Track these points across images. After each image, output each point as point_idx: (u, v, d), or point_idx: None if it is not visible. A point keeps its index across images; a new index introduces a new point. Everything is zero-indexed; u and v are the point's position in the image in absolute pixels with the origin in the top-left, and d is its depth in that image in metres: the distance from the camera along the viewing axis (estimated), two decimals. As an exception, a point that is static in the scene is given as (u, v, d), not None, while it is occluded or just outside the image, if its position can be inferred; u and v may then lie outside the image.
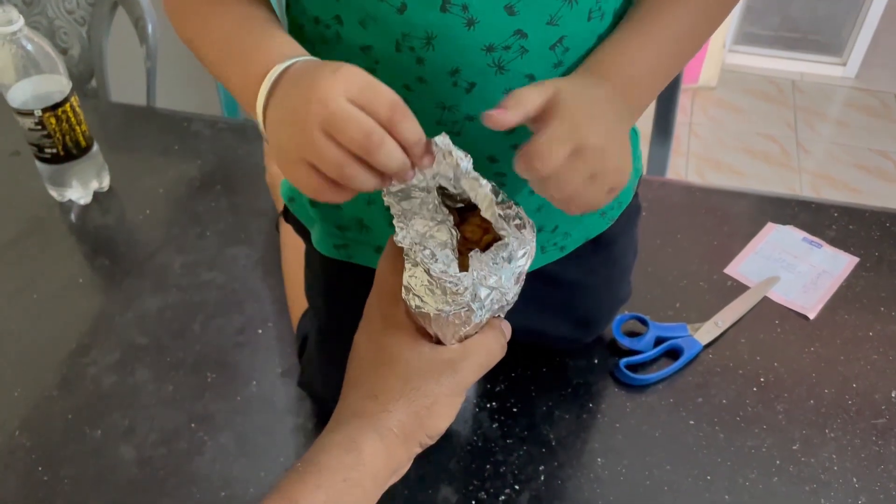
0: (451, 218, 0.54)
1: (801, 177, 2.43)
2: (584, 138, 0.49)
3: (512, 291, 0.53)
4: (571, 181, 0.51)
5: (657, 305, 0.97)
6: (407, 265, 0.52)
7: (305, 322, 0.91)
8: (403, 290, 0.53)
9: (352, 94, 0.45)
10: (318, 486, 0.48)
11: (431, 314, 0.51)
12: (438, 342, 0.54)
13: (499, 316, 0.56)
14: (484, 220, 0.55)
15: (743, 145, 2.54)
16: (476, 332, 0.54)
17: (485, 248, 0.55)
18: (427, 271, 0.50)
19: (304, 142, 0.46)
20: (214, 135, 1.24)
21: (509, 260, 0.52)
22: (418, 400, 0.51)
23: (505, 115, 0.48)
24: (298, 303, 0.93)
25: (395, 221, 0.53)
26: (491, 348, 0.54)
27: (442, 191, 0.54)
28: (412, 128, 0.47)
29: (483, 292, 0.51)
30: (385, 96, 0.46)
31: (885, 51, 2.87)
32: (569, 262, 0.76)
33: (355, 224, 0.72)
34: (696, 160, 2.47)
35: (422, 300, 0.51)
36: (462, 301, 0.50)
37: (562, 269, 0.76)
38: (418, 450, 0.53)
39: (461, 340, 0.54)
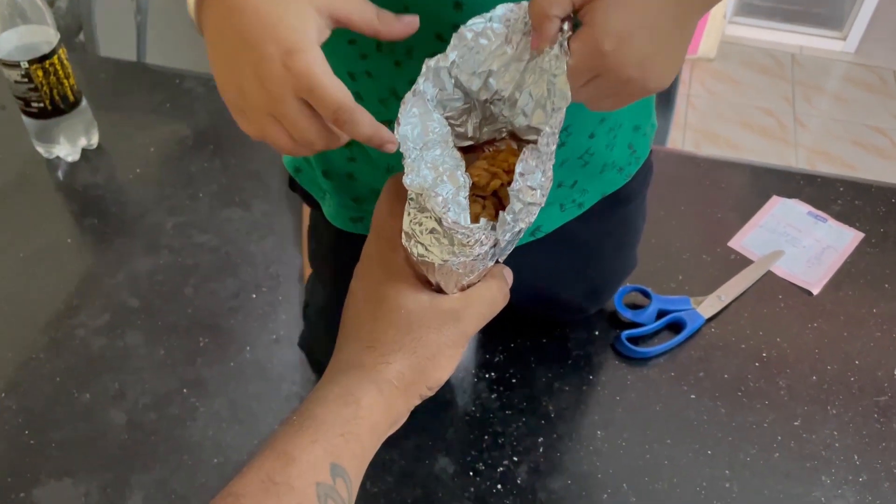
0: (464, 162, 0.51)
1: (798, 151, 2.41)
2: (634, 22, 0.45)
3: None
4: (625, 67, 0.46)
5: (660, 278, 0.95)
6: (410, 210, 0.49)
7: (310, 286, 0.89)
8: (404, 236, 0.50)
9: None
10: (315, 440, 0.46)
11: (436, 264, 0.48)
12: (439, 290, 0.51)
13: (499, 262, 0.54)
14: (491, 163, 0.53)
15: (740, 118, 2.51)
16: (478, 280, 0.52)
17: (492, 194, 0.53)
18: (438, 221, 0.47)
19: (274, 102, 0.45)
20: (207, 93, 1.20)
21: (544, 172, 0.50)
22: (419, 351, 0.49)
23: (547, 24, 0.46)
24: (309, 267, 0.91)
25: (403, 161, 0.49)
26: (494, 297, 0.52)
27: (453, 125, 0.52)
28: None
29: (490, 244, 0.48)
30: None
31: (885, 26, 2.84)
32: (585, 221, 0.74)
33: (372, 195, 0.69)
34: (692, 132, 2.45)
35: (426, 248, 0.48)
36: (471, 252, 0.48)
37: (578, 229, 0.74)
38: (417, 401, 0.52)
39: (463, 289, 0.51)
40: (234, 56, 0.45)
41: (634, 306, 0.92)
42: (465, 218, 0.48)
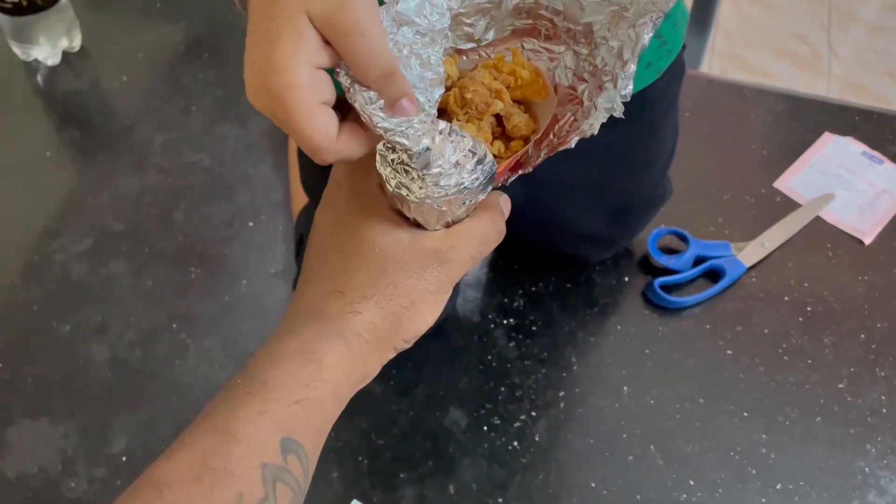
0: (443, 68, 0.43)
1: (830, 83, 2.28)
2: None
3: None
4: None
5: (697, 220, 0.86)
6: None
7: (304, 219, 0.80)
8: (378, 159, 0.40)
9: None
10: (264, 410, 0.37)
11: (412, 200, 0.39)
12: (418, 226, 0.43)
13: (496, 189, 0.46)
14: (495, 74, 0.45)
15: (772, 45, 2.37)
16: (466, 215, 0.43)
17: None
18: (407, 152, 0.38)
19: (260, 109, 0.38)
20: (203, -6, 1.09)
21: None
22: (396, 298, 0.41)
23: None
24: (300, 196, 0.82)
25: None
26: (485, 234, 0.43)
27: None
28: None
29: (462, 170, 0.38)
30: None
31: (931, -51, 2.65)
32: (606, 123, 0.65)
33: None
34: (720, 57, 2.31)
35: (400, 184, 0.39)
36: (446, 186, 0.38)
37: (598, 134, 0.64)
38: (391, 355, 0.43)
39: (448, 226, 0.42)
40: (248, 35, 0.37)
41: (669, 251, 0.83)
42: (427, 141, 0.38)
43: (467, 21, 0.44)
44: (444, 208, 0.39)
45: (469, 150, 0.37)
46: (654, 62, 0.64)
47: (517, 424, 0.73)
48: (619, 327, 0.79)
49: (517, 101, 0.45)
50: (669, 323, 0.80)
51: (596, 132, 0.41)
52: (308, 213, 0.80)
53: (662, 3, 0.40)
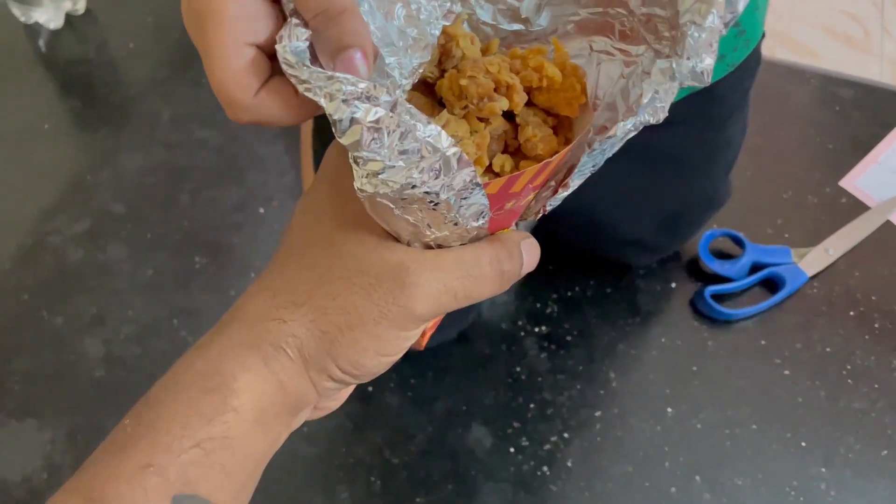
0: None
1: (883, 64, 2.15)
2: None
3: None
4: None
5: (754, 221, 0.78)
6: None
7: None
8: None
9: None
10: (148, 463, 0.29)
11: (357, 190, 0.29)
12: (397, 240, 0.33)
13: (516, 226, 0.36)
14: (512, 64, 0.35)
15: (821, 22, 2.24)
16: (461, 244, 0.33)
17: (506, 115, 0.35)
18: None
19: None
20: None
21: None
22: (331, 314, 0.31)
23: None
24: (311, 176, 0.74)
25: None
26: (476, 267, 0.32)
27: None
28: None
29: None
30: None
31: None
32: (664, 122, 0.56)
33: None
34: (766, 36, 2.19)
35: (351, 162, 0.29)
36: (394, 180, 0.28)
37: (654, 134, 0.55)
38: (331, 385, 0.33)
39: (429, 247, 0.33)
40: None
41: (722, 255, 0.75)
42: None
43: None
44: (408, 217, 0.29)
45: (425, 140, 0.26)
46: (729, 54, 0.55)
47: (547, 447, 0.65)
48: (663, 340, 0.71)
49: (545, 110, 0.35)
50: (720, 337, 0.72)
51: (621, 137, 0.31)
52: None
53: None
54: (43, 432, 0.66)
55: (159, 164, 0.81)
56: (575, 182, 0.32)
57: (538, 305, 0.73)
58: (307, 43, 0.27)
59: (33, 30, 0.91)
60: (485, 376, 0.69)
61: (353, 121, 0.26)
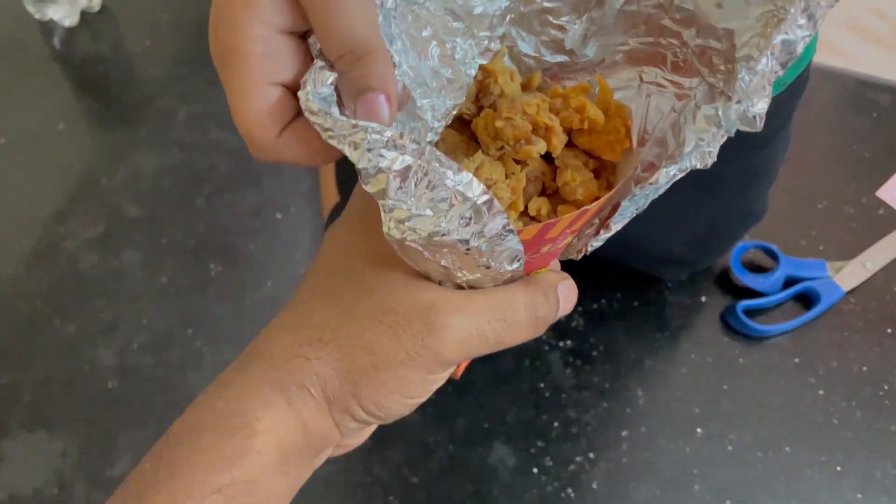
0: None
1: (911, 64, 2.10)
2: None
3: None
4: None
5: (787, 232, 0.75)
6: None
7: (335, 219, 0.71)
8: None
9: None
10: None
11: (385, 234, 0.27)
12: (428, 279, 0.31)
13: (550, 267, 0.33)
14: (552, 103, 0.32)
15: (847, 20, 2.19)
16: (494, 285, 0.31)
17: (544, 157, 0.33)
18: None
19: None
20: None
21: None
22: (356, 354, 0.30)
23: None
24: (331, 192, 0.72)
25: None
26: (510, 311, 0.30)
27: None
28: None
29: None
30: None
31: None
32: None
33: None
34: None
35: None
36: (421, 228, 0.26)
37: None
38: (353, 425, 0.32)
39: (460, 287, 0.31)
40: None
41: (754, 268, 0.72)
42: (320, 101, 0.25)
43: (555, 21, 0.32)
44: (439, 260, 0.28)
45: (455, 189, 0.25)
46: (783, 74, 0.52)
47: (572, 467, 0.63)
48: (693, 356, 0.69)
49: (587, 152, 0.32)
50: (752, 354, 0.69)
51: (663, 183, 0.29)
52: (339, 214, 0.70)
53: None
54: (54, 444, 0.64)
55: (175, 165, 0.80)
56: (616, 225, 0.30)
57: (563, 319, 0.70)
58: (332, 88, 0.26)
59: (48, 27, 0.89)
60: (507, 392, 0.67)
61: (378, 170, 0.24)
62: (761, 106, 0.27)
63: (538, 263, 0.31)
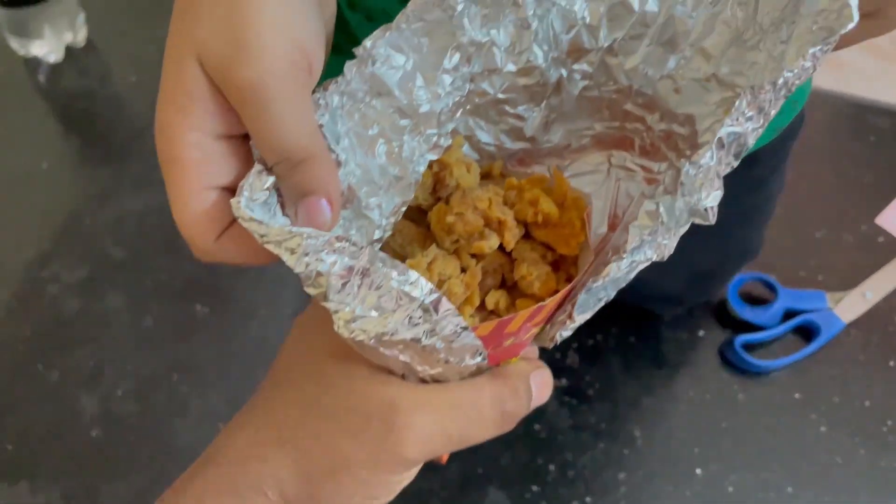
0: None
1: (908, 75, 2.09)
2: None
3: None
4: None
5: (784, 263, 0.73)
6: None
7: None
8: None
9: None
10: None
11: (344, 335, 0.26)
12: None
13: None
14: (507, 196, 0.32)
15: (843, 32, 2.19)
16: (461, 378, 0.30)
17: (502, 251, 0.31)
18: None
19: None
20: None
21: None
22: (315, 456, 0.28)
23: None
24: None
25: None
26: (477, 408, 0.29)
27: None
28: None
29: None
30: None
31: None
32: None
33: None
34: (786, 46, 2.13)
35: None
36: (367, 329, 0.25)
37: None
38: None
39: (424, 381, 0.29)
40: None
41: (752, 300, 0.71)
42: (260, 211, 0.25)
43: (511, 111, 0.31)
44: (401, 357, 0.27)
45: (400, 290, 0.24)
46: (775, 118, 0.51)
47: (569, 512, 0.61)
48: (691, 393, 0.67)
49: (545, 244, 0.31)
50: (752, 390, 0.67)
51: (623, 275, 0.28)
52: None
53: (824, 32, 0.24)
54: (36, 496, 0.62)
55: (161, 205, 0.78)
56: (581, 316, 0.28)
57: (557, 356, 0.69)
58: (267, 194, 0.25)
59: (32, 64, 0.88)
60: (502, 435, 0.65)
61: (317, 273, 0.24)
62: (712, 199, 0.26)
63: (506, 354, 0.30)
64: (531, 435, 0.65)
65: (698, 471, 0.63)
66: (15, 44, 0.87)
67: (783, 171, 0.59)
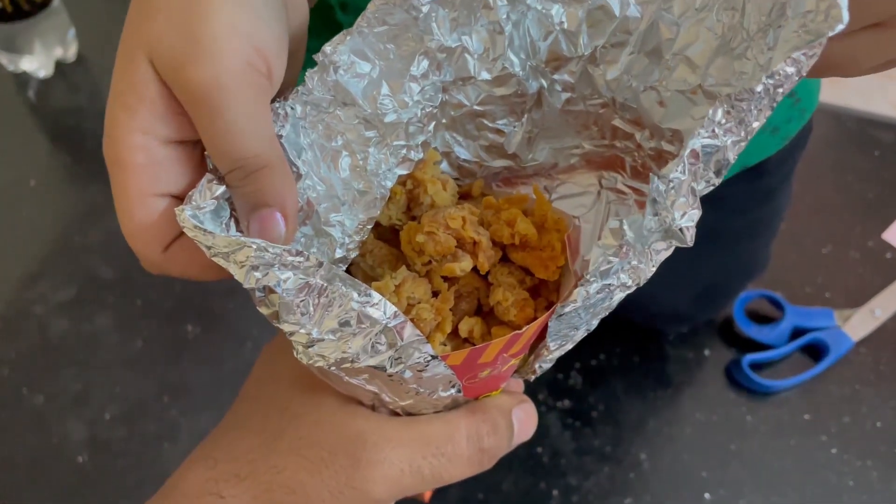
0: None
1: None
2: None
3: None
4: None
5: (791, 280, 0.72)
6: None
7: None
8: None
9: None
10: None
11: (304, 361, 0.24)
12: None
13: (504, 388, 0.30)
14: (483, 214, 0.30)
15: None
16: (435, 411, 0.28)
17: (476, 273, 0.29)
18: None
19: None
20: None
21: None
22: (274, 490, 0.27)
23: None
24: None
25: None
26: (454, 447, 0.27)
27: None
28: None
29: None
30: None
31: None
32: (709, 201, 0.50)
33: None
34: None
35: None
36: (326, 354, 0.23)
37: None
38: None
39: (397, 413, 0.28)
40: None
41: (759, 318, 0.69)
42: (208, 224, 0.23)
43: (490, 124, 0.29)
44: (368, 386, 0.25)
45: (360, 311, 0.22)
46: (783, 126, 0.49)
47: (573, 540, 0.59)
48: (697, 415, 0.65)
49: (524, 268, 0.29)
50: (760, 411, 0.65)
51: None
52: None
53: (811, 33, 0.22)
54: (20, 527, 0.60)
55: (151, 222, 0.76)
56: (554, 345, 0.26)
57: (560, 376, 0.67)
58: (215, 203, 0.23)
59: (21, 79, 0.87)
60: (503, 458, 0.63)
61: (268, 290, 0.22)
62: (688, 218, 0.24)
63: (485, 387, 0.28)
64: (533, 458, 0.63)
65: (707, 495, 0.61)
66: (4, 59, 0.86)
67: (791, 184, 0.58)
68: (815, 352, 0.68)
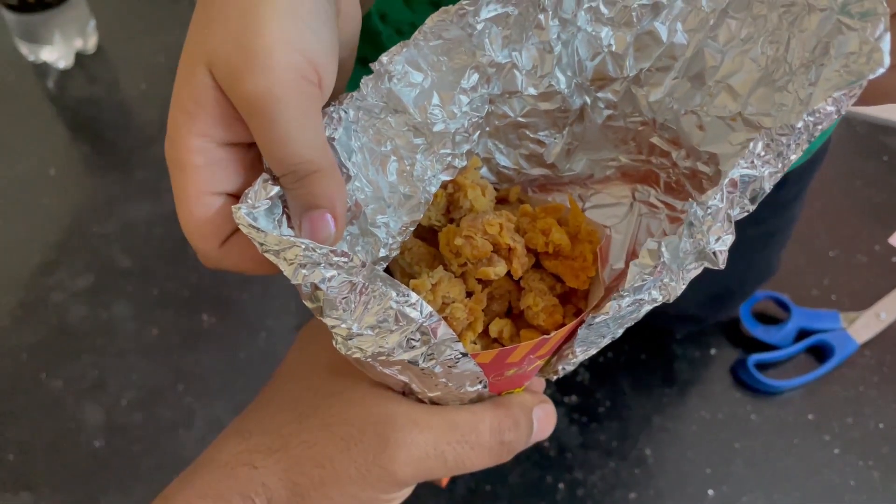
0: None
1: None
2: None
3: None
4: None
5: (798, 282, 0.73)
6: None
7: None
8: None
9: None
10: None
11: (342, 351, 0.25)
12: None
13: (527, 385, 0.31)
14: (520, 221, 0.31)
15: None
16: (461, 403, 0.29)
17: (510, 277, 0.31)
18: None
19: None
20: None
21: None
22: (304, 466, 0.28)
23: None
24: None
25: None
26: (477, 437, 0.29)
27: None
28: None
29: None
30: None
31: None
32: None
33: None
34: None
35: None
36: (364, 348, 0.25)
37: None
38: None
39: (423, 402, 0.29)
40: None
41: (765, 319, 0.70)
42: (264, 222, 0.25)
43: (532, 135, 0.31)
44: (399, 377, 0.26)
45: (398, 309, 0.24)
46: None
47: (578, 532, 0.61)
48: (702, 413, 0.66)
49: (555, 276, 0.30)
50: (764, 410, 0.66)
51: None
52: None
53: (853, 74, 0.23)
54: (37, 508, 0.62)
55: (168, 213, 0.78)
56: (581, 351, 0.28)
57: (568, 373, 0.68)
58: (269, 202, 0.25)
59: (41, 70, 0.88)
60: (510, 452, 0.64)
61: (314, 287, 0.23)
62: (721, 243, 0.25)
63: (509, 384, 0.29)
64: (540, 452, 0.64)
65: (710, 492, 0.63)
66: (25, 49, 0.87)
67: (804, 196, 0.59)
68: (820, 353, 0.69)
